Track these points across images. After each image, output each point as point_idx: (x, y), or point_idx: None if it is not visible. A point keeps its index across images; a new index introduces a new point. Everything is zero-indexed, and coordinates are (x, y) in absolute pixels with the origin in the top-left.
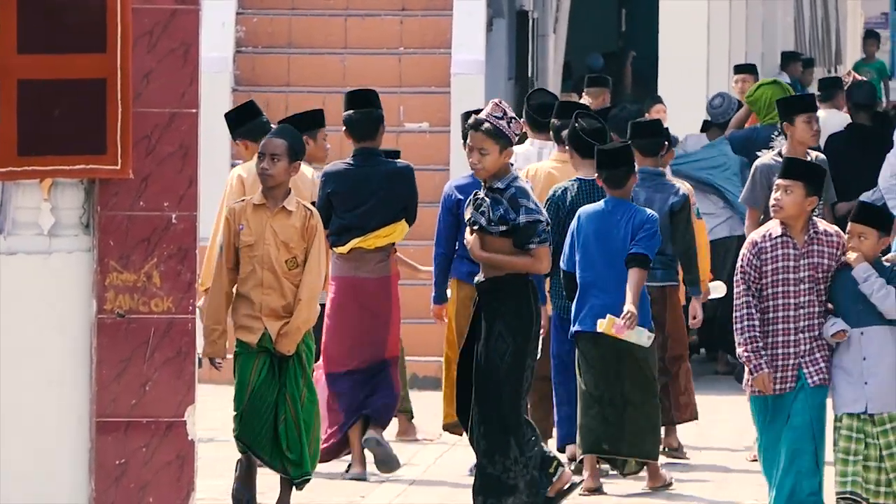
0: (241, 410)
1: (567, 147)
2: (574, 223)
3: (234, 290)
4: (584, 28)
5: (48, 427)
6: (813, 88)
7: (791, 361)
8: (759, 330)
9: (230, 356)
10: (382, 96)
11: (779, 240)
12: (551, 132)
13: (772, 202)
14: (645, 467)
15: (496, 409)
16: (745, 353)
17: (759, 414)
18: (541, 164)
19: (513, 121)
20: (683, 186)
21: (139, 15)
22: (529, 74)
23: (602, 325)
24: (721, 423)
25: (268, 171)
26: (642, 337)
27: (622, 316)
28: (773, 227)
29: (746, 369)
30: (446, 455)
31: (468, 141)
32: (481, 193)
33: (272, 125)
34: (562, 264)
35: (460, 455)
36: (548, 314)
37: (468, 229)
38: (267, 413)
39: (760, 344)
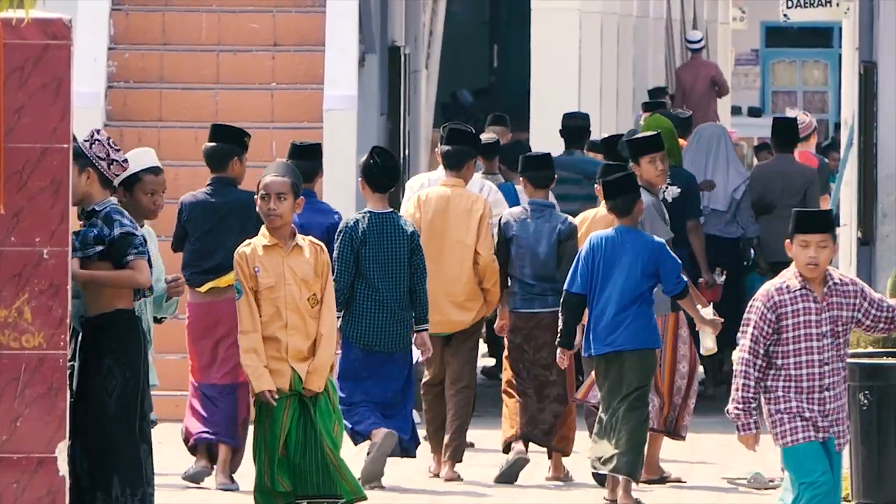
0: (275, 457)
1: (361, 178)
2: (585, 247)
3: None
4: (457, 64)
5: None
6: None
7: (830, 418)
8: (755, 391)
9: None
10: (254, 131)
11: (798, 293)
12: (440, 157)
13: (807, 261)
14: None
15: (100, 445)
16: (736, 411)
17: (804, 465)
18: (430, 189)
19: (96, 143)
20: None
21: (10, 50)
22: (402, 110)
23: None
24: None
25: (275, 210)
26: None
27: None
28: (790, 279)
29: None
30: None
31: None
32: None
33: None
34: (569, 287)
35: None
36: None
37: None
38: (312, 451)
39: (754, 405)
